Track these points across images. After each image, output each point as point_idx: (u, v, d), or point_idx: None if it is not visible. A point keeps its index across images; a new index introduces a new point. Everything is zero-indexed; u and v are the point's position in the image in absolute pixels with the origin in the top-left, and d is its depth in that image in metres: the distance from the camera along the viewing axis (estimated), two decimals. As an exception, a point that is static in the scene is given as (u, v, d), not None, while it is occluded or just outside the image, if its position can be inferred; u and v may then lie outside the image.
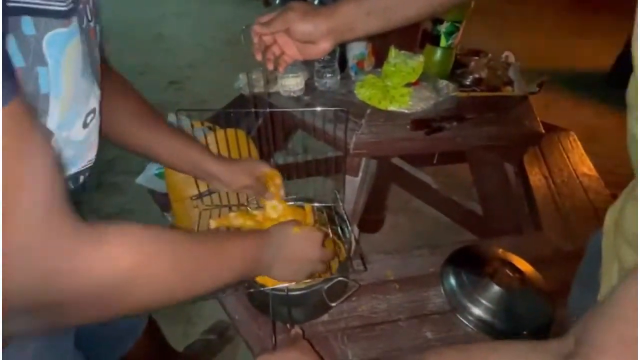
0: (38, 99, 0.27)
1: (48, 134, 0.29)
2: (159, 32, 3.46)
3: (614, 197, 0.42)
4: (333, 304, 0.51)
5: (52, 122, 0.29)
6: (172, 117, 0.99)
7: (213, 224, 0.56)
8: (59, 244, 0.23)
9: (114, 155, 1.82)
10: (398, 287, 0.71)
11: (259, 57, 0.50)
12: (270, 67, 0.50)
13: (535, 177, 1.04)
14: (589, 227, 0.88)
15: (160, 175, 0.88)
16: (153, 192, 0.99)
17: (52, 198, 0.23)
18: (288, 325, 0.53)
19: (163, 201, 0.87)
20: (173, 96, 2.42)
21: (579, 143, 1.13)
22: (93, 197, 1.63)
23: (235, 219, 0.56)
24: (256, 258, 0.40)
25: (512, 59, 0.98)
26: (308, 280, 0.50)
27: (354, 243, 0.59)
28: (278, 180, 0.58)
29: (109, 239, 0.26)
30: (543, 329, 0.60)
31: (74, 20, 0.28)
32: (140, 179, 0.92)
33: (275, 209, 0.57)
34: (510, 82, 0.88)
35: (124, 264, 0.26)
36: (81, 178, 0.39)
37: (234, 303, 0.63)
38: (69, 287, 0.24)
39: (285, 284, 0.49)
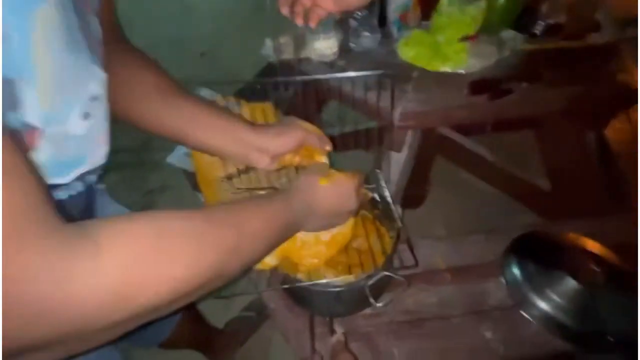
0: None
1: (16, 133, 0.23)
2: (189, 3, 3.39)
3: None
4: (379, 304, 0.45)
5: (32, 115, 0.24)
6: (203, 92, 0.94)
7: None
8: (44, 268, 0.18)
9: (148, 135, 1.86)
10: (450, 277, 0.63)
11: (284, 11, 0.41)
12: (300, 22, 0.41)
13: (620, 145, 0.87)
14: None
15: (189, 154, 0.85)
16: (185, 170, 0.97)
17: (26, 211, 0.18)
18: (329, 329, 0.48)
19: (194, 180, 0.84)
20: (204, 68, 2.38)
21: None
22: (135, 174, 1.69)
23: None
24: (287, 221, 0.37)
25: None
26: (350, 276, 0.44)
27: (400, 233, 0.52)
28: (323, 158, 0.51)
29: (103, 247, 0.21)
30: (631, 336, 0.49)
31: None
32: (170, 158, 0.89)
33: None
34: (596, 28, 0.70)
35: (121, 276, 0.21)
36: (91, 178, 0.34)
37: (270, 291, 0.60)
38: (67, 321, 0.19)
39: (324, 280, 0.44)
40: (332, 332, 0.47)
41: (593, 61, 0.66)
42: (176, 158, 0.87)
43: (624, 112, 0.82)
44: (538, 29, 0.71)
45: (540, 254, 0.59)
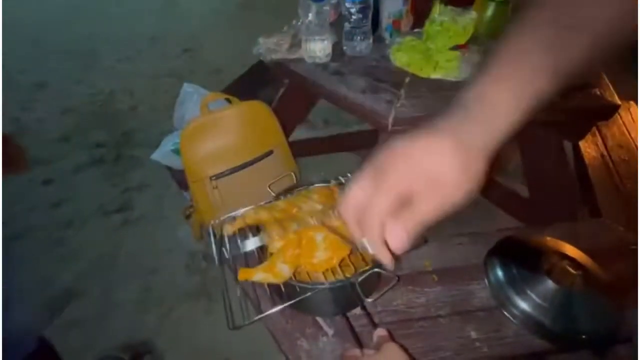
0: None
1: None
2: (170, -4, 3.31)
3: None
4: (369, 299, 0.46)
5: None
6: (187, 87, 0.91)
7: (229, 229, 0.51)
8: None
9: (129, 127, 1.79)
10: (437, 278, 0.65)
11: (356, 233, 0.33)
12: (385, 257, 0.32)
13: (591, 155, 0.92)
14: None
15: (176, 152, 0.82)
16: (170, 168, 0.94)
17: None
18: (372, 327, 0.48)
19: (181, 178, 0.81)
20: (187, 64, 2.32)
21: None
22: (112, 171, 1.62)
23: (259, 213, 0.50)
24: None
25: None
26: (340, 275, 0.45)
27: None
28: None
29: None
30: (606, 335, 0.53)
31: None
32: (155, 155, 0.86)
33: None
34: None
35: None
36: None
37: (259, 291, 0.59)
38: None
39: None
40: (374, 325, 0.47)
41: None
42: (162, 155, 0.84)
43: (596, 127, 0.87)
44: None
45: (521, 257, 0.62)
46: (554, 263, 0.58)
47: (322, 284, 0.48)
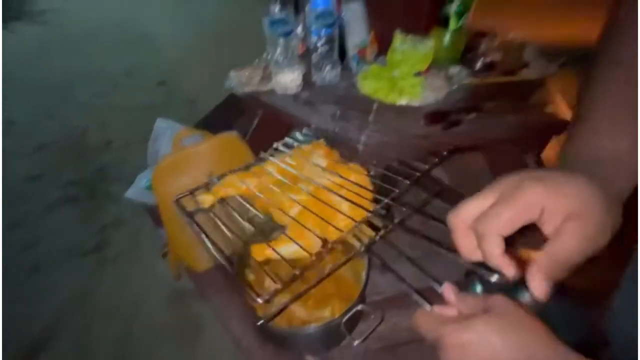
0: None
1: None
2: (145, 32, 3.35)
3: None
4: (356, 342, 0.46)
5: None
6: (160, 123, 0.91)
7: (207, 200, 0.48)
8: None
9: (103, 163, 1.75)
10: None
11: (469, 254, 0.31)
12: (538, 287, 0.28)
13: (554, 165, 0.97)
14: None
15: (150, 188, 0.81)
16: (146, 204, 0.92)
17: None
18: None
19: (156, 215, 0.80)
20: (162, 97, 2.33)
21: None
22: (86, 209, 1.56)
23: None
24: None
25: (520, 38, 0.90)
26: (327, 314, 0.44)
27: (366, 266, 0.53)
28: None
29: None
30: (584, 342, 0.54)
31: None
32: (130, 193, 0.85)
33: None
34: (525, 65, 0.81)
35: None
36: None
37: (242, 329, 0.57)
38: None
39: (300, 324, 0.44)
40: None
41: (526, 94, 0.76)
42: (136, 192, 0.83)
43: (555, 138, 0.92)
44: (478, 65, 0.80)
45: (498, 270, 0.63)
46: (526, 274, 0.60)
47: (308, 328, 0.47)
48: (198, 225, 0.43)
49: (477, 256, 0.30)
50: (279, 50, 0.73)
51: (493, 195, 0.29)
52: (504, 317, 0.27)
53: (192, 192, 0.51)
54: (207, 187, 0.53)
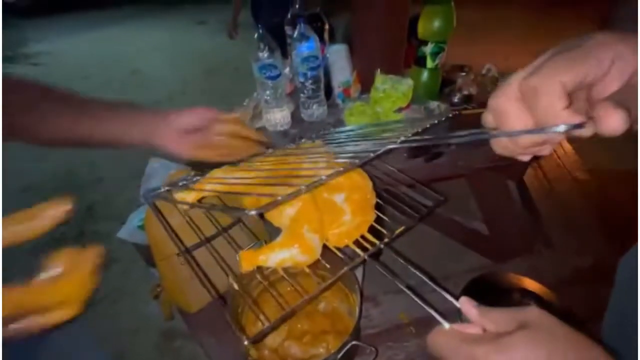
0: None
1: None
2: (135, 67, 3.44)
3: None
4: None
5: None
6: (153, 162, 0.93)
7: (189, 197, 0.43)
8: None
9: (91, 201, 1.73)
10: (414, 330, 0.65)
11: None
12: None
13: (537, 191, 1.01)
14: (601, 237, 0.86)
15: (143, 228, 0.81)
16: (137, 244, 0.91)
17: None
18: None
19: (148, 255, 0.79)
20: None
21: (570, 146, 1.12)
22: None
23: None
24: None
25: (494, 71, 0.97)
26: (321, 351, 0.44)
27: (359, 300, 0.54)
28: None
29: None
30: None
31: None
32: (122, 233, 0.84)
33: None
34: (500, 97, 0.86)
35: None
36: None
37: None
38: None
39: None
40: None
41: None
42: (128, 232, 0.83)
43: (535, 162, 0.97)
44: (456, 98, 0.85)
45: (490, 295, 0.64)
46: (517, 300, 0.61)
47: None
48: (195, 261, 0.43)
49: (531, 125, 0.25)
50: (268, 92, 0.77)
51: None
52: (544, 330, 0.25)
53: (170, 189, 0.48)
54: (186, 184, 0.48)
